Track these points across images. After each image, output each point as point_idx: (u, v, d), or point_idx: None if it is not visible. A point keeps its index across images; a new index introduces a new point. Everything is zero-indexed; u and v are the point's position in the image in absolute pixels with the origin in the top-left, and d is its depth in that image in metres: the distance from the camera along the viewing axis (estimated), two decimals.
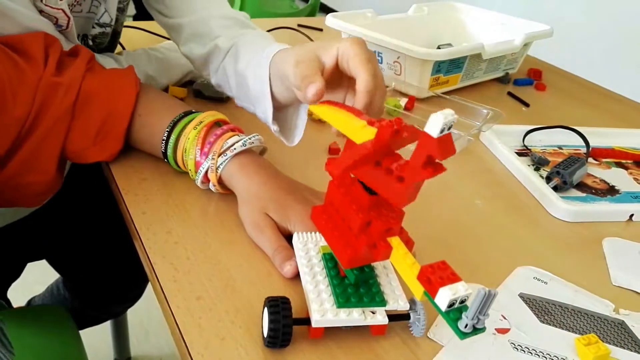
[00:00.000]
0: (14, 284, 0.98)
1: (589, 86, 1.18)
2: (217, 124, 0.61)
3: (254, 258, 0.54)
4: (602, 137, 0.89)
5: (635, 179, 0.80)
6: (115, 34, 0.77)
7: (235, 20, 0.72)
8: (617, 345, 0.49)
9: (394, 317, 0.46)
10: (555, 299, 0.54)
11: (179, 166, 0.62)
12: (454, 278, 0.37)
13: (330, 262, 0.48)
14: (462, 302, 0.37)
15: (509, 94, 1.06)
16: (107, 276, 1.05)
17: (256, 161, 0.59)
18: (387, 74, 0.98)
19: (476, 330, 0.36)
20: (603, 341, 0.48)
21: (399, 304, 0.46)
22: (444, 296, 0.36)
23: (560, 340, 0.49)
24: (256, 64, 0.62)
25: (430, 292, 0.37)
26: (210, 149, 0.58)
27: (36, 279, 1.15)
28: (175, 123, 0.60)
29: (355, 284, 0.46)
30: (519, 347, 0.48)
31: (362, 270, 0.46)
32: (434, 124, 0.36)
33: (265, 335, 0.44)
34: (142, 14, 0.94)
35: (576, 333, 0.50)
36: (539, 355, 0.47)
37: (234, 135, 0.59)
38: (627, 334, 0.51)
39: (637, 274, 0.59)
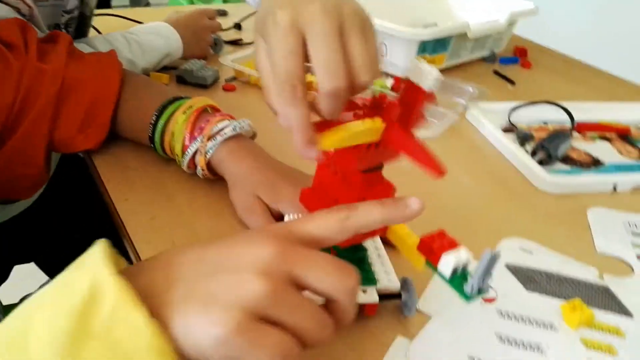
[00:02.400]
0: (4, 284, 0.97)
1: (573, 63, 1.18)
2: (206, 110, 0.61)
3: None
4: (585, 111, 0.89)
5: (619, 151, 0.81)
6: (84, 18, 0.76)
7: None
8: (602, 309, 0.50)
9: (385, 296, 0.46)
10: (541, 268, 0.54)
11: (165, 152, 0.61)
12: (454, 244, 0.37)
13: None
14: (463, 267, 0.37)
15: (495, 72, 1.06)
16: None
17: (246, 146, 0.59)
18: None
19: (480, 291, 0.37)
20: (588, 306, 0.49)
21: (390, 282, 0.46)
22: (448, 263, 0.36)
23: (547, 306, 0.50)
24: None
25: (433, 261, 0.37)
26: (200, 133, 0.58)
27: (29, 274, 1.14)
28: (165, 107, 0.60)
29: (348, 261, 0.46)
30: (506, 315, 0.48)
31: (355, 249, 0.46)
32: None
33: None
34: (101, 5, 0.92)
35: (562, 299, 0.50)
36: (525, 322, 0.48)
37: (224, 120, 0.59)
38: (612, 298, 0.52)
39: (621, 242, 0.60)
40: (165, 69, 0.86)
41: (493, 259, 0.36)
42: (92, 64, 0.60)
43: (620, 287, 0.53)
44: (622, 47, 2.05)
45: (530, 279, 0.53)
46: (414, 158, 0.38)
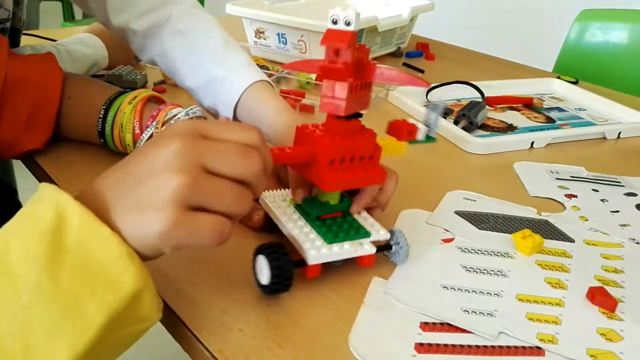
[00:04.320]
0: None
1: (469, 53, 1.29)
2: (150, 100, 0.61)
3: None
4: (492, 88, 0.98)
5: (528, 118, 0.89)
6: (16, 32, 0.74)
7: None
8: (547, 238, 0.55)
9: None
10: (487, 211, 0.59)
11: (116, 146, 0.60)
12: (410, 123, 0.50)
13: (303, 210, 0.49)
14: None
15: (405, 64, 1.14)
16: None
17: None
18: (292, 54, 1.01)
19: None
20: None
21: (380, 234, 0.48)
22: (422, 132, 0.51)
23: (500, 240, 0.54)
24: (220, 92, 0.65)
25: (410, 138, 0.51)
26: (153, 120, 0.57)
27: None
28: (112, 101, 0.59)
29: (339, 222, 0.48)
30: (466, 250, 0.52)
31: (340, 204, 0.49)
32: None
33: (267, 282, 0.43)
34: None
35: (511, 233, 0.55)
36: (484, 254, 0.52)
37: (176, 107, 0.59)
38: (552, 228, 0.57)
39: (548, 186, 0.67)
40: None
41: (435, 108, 0.51)
42: (33, 62, 0.59)
43: (557, 220, 0.59)
44: (507, 35, 2.25)
45: (480, 219, 0.58)
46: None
